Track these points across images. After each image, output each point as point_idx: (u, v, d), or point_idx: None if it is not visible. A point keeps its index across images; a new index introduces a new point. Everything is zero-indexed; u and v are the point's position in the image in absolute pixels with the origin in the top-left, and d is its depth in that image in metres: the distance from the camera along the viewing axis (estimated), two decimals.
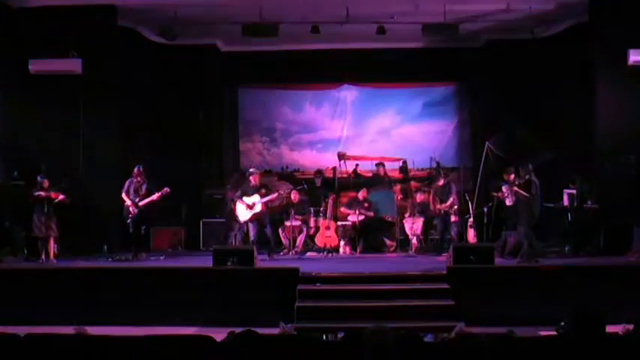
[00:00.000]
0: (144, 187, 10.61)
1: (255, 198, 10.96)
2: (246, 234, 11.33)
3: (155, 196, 10.51)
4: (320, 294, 8.52)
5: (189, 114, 13.52)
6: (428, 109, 14.35)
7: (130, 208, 10.48)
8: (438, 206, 11.38)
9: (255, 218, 10.94)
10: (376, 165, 13.78)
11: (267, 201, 11.15)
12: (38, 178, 10.31)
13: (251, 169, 11.56)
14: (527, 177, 9.60)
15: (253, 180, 11.16)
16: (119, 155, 11.67)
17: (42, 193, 10.15)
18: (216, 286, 8.67)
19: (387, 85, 14.42)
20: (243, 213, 11.00)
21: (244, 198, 10.99)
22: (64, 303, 8.46)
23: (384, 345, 3.32)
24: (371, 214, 12.21)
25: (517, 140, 12.33)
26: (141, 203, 10.50)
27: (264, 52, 13.39)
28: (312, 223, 12.08)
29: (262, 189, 11.17)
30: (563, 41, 12.34)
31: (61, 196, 10.28)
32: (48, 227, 10.22)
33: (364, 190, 12.46)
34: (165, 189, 10.52)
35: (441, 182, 11.63)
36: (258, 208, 10.93)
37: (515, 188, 10.04)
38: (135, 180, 10.61)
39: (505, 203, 11.25)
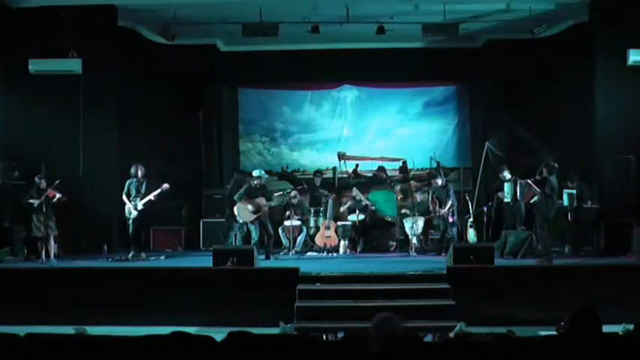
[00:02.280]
0: (144, 187, 10.60)
1: (261, 200, 10.88)
2: (247, 234, 11.32)
3: (154, 194, 10.49)
4: (320, 294, 8.52)
5: (189, 114, 13.52)
6: (428, 109, 14.34)
7: (132, 210, 10.47)
8: (437, 208, 11.40)
9: (257, 219, 10.91)
10: (377, 169, 13.80)
11: (271, 204, 11.14)
12: (36, 179, 10.29)
13: (255, 171, 11.47)
14: (545, 175, 9.58)
15: (258, 181, 11.11)
16: (119, 155, 11.66)
17: (34, 201, 10.10)
18: (216, 286, 8.67)
19: (387, 85, 14.39)
20: (245, 214, 10.93)
21: (248, 199, 10.94)
22: (64, 303, 8.45)
23: (393, 332, 3.35)
24: (372, 208, 12.22)
25: (517, 140, 12.34)
26: (140, 204, 10.48)
27: (264, 52, 13.38)
28: (312, 223, 12.09)
29: (264, 190, 11.13)
30: (563, 41, 12.34)
31: (58, 195, 10.25)
32: (47, 227, 10.20)
33: (354, 189, 12.49)
34: (164, 185, 10.49)
35: (440, 182, 11.62)
36: (265, 210, 10.89)
37: (530, 182, 10.02)
38: (135, 179, 10.60)
39: (504, 202, 11.32)
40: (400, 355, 3.35)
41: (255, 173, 11.27)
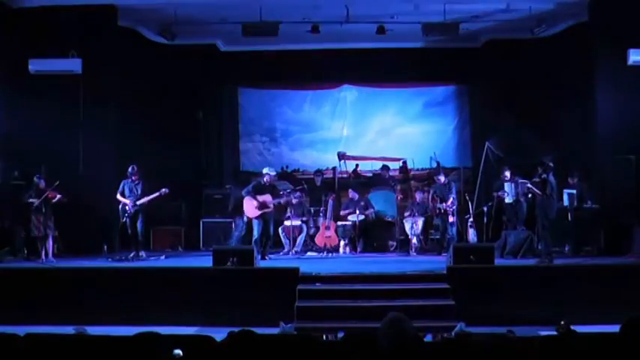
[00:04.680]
0: (139, 188, 10.61)
1: (267, 197, 10.89)
2: (246, 234, 11.30)
3: (153, 196, 10.51)
4: (320, 294, 8.52)
5: (189, 114, 13.52)
6: (428, 109, 14.34)
7: (127, 207, 10.49)
8: (438, 205, 11.35)
9: (261, 217, 10.88)
10: (381, 168, 13.81)
11: (279, 203, 11.10)
12: (35, 179, 10.30)
13: (266, 168, 11.45)
14: (543, 176, 9.60)
15: (268, 178, 11.10)
16: (119, 155, 11.66)
17: (34, 200, 10.14)
18: (216, 286, 8.67)
19: (387, 85, 14.40)
20: (252, 210, 10.93)
21: (255, 195, 10.93)
22: (64, 303, 8.46)
23: (404, 332, 3.45)
24: (369, 212, 12.21)
25: (517, 140, 12.33)
26: (138, 202, 10.50)
27: (264, 52, 13.38)
28: (312, 223, 12.08)
29: (273, 189, 11.12)
30: (563, 41, 12.34)
31: (58, 196, 10.26)
32: (46, 227, 10.23)
33: (350, 190, 12.51)
34: (163, 189, 10.51)
35: (442, 179, 11.60)
36: (270, 207, 10.87)
37: (529, 185, 10.03)
38: (130, 180, 10.61)
39: (505, 202, 11.31)
40: (409, 354, 3.39)
41: (264, 170, 11.29)
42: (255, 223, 10.93)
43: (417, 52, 13.57)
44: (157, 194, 10.51)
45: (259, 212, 10.82)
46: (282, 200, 11.13)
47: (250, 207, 10.94)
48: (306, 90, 14.53)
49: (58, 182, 10.21)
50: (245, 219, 11.33)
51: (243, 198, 11.05)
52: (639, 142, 10.72)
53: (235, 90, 14.58)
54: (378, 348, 3.49)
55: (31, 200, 10.15)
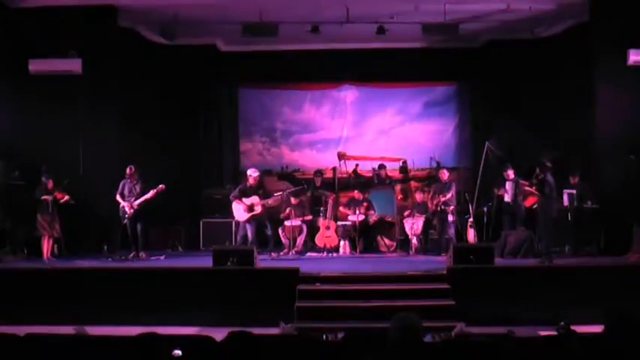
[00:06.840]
0: (138, 187, 10.61)
1: (254, 199, 10.94)
2: (245, 235, 11.33)
3: (150, 194, 10.50)
4: (320, 294, 8.53)
5: (189, 114, 13.52)
6: (428, 109, 14.32)
7: (126, 209, 10.50)
8: (436, 200, 11.31)
9: (253, 219, 10.91)
10: (378, 167, 13.79)
11: (268, 204, 11.12)
12: (42, 179, 10.33)
13: (250, 170, 11.52)
14: (541, 176, 9.60)
15: (252, 180, 11.14)
16: (119, 155, 11.65)
17: (48, 197, 10.19)
18: (216, 286, 8.67)
19: (387, 85, 14.39)
20: (240, 213, 11.00)
21: (243, 199, 10.97)
22: (64, 303, 8.46)
23: (413, 324, 3.58)
24: (371, 212, 12.22)
25: (517, 140, 12.33)
26: (136, 203, 10.51)
27: (264, 52, 13.38)
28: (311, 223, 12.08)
29: (260, 190, 11.14)
30: (563, 41, 12.34)
31: (66, 197, 10.32)
32: (53, 228, 10.28)
33: (356, 191, 12.50)
34: (160, 186, 10.52)
35: (445, 177, 11.57)
36: (257, 210, 10.91)
37: (527, 188, 10.01)
38: (128, 180, 10.62)
39: (504, 202, 11.32)
40: (412, 352, 3.49)
41: (248, 172, 11.33)
42: (247, 226, 10.97)
43: (417, 52, 13.56)
44: (153, 192, 10.50)
45: (248, 215, 10.86)
46: (270, 201, 11.10)
47: (239, 211, 10.97)
48: (306, 90, 14.51)
49: (67, 181, 10.25)
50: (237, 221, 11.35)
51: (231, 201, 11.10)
52: (639, 142, 10.72)
53: (235, 90, 14.56)
54: (384, 344, 3.55)
55: (45, 197, 10.19)
